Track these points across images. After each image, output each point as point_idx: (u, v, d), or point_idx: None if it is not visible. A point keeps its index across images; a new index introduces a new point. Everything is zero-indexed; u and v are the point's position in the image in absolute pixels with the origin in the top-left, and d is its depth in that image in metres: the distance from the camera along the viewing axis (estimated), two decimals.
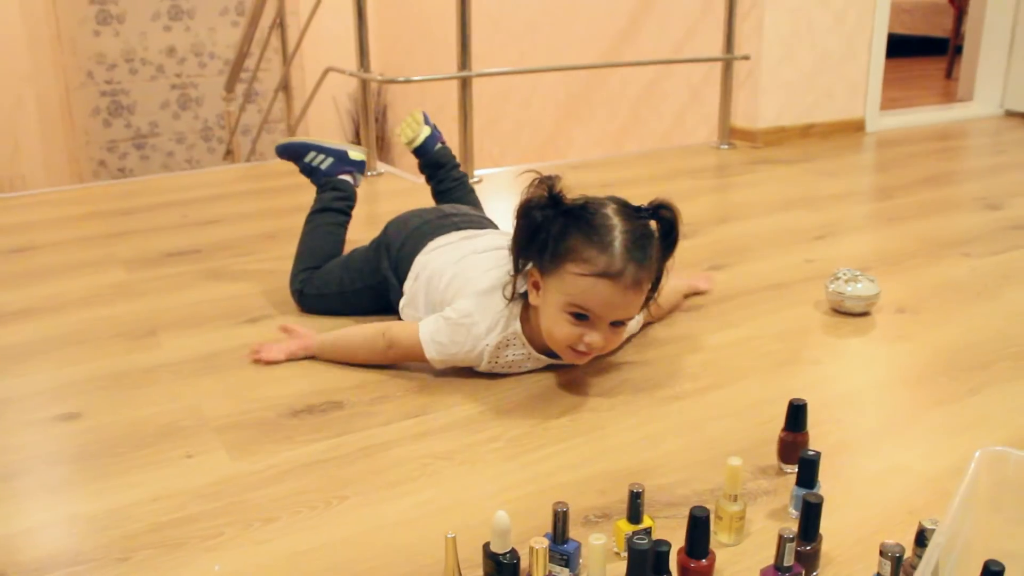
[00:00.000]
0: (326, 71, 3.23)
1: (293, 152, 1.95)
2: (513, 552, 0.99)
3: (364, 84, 3.05)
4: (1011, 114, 4.25)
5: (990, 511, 0.94)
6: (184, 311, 1.86)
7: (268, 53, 5.61)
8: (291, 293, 1.86)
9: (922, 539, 0.94)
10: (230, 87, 4.36)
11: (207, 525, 1.13)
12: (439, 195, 2.08)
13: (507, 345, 1.48)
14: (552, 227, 1.37)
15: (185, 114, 5.93)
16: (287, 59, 3.85)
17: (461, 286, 1.54)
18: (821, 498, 1.00)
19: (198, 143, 5.99)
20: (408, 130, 2.02)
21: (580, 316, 1.37)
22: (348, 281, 1.79)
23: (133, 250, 2.26)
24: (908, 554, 0.96)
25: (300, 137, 1.99)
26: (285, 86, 3.82)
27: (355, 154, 1.93)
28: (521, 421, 1.40)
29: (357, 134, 3.24)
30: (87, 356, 1.65)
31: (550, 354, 1.51)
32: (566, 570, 1.02)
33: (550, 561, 0.99)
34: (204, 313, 1.85)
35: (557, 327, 1.39)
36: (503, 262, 1.51)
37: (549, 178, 1.38)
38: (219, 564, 1.06)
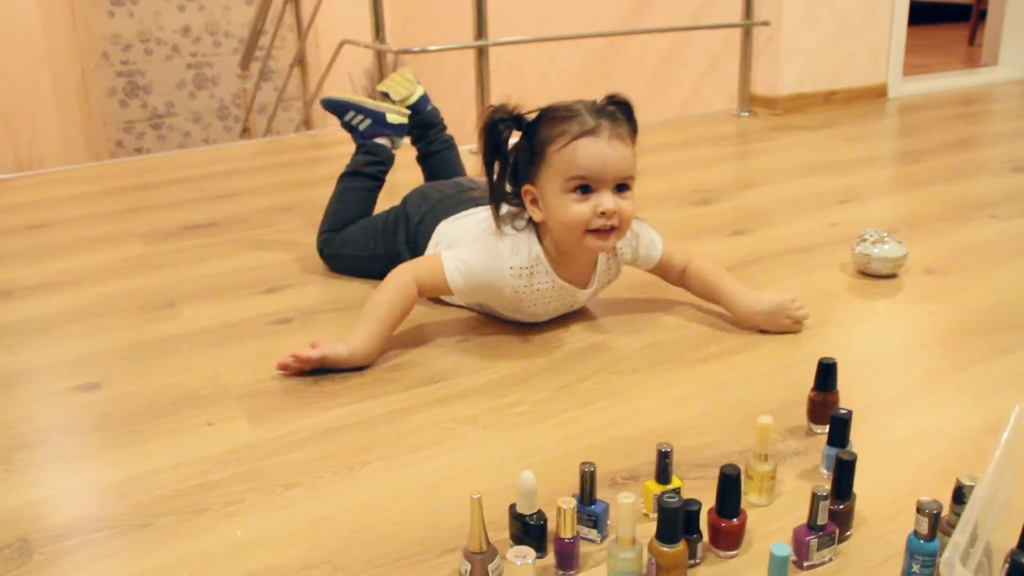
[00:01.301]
0: (341, 44, 3.20)
1: (336, 107, 1.92)
2: (540, 513, 0.97)
3: (380, 56, 3.02)
4: None
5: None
6: (202, 282, 1.85)
7: (283, 31, 5.58)
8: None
9: (960, 496, 0.92)
10: (245, 64, 4.35)
11: (229, 491, 1.12)
12: (427, 158, 2.03)
13: (532, 273, 1.45)
14: (521, 142, 1.42)
15: (201, 93, 5.91)
16: (302, 34, 3.82)
17: (482, 233, 1.52)
18: (855, 455, 0.98)
19: (214, 122, 5.98)
20: (401, 88, 1.96)
21: (583, 189, 1.37)
22: (363, 246, 1.81)
23: (150, 224, 2.25)
24: (945, 512, 0.94)
25: (345, 95, 1.94)
26: (300, 61, 3.80)
27: (393, 117, 1.90)
28: (544, 385, 1.37)
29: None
30: (105, 328, 1.64)
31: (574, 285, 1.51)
32: (594, 531, 1.00)
33: (577, 523, 0.97)
34: (222, 284, 1.83)
35: (568, 211, 1.38)
36: None
37: (501, 104, 1.42)
38: (241, 529, 1.05)
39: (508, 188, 1.47)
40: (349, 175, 1.91)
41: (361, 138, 1.92)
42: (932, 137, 3.10)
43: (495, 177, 1.45)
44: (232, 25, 5.86)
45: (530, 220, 1.46)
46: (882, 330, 1.58)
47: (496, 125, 1.41)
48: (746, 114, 3.50)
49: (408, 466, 1.17)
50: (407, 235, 1.72)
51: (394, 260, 1.73)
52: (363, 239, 1.81)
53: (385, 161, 1.92)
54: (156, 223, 2.26)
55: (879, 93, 3.77)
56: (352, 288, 1.79)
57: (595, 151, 1.36)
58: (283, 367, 1.42)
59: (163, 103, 5.78)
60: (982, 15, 5.48)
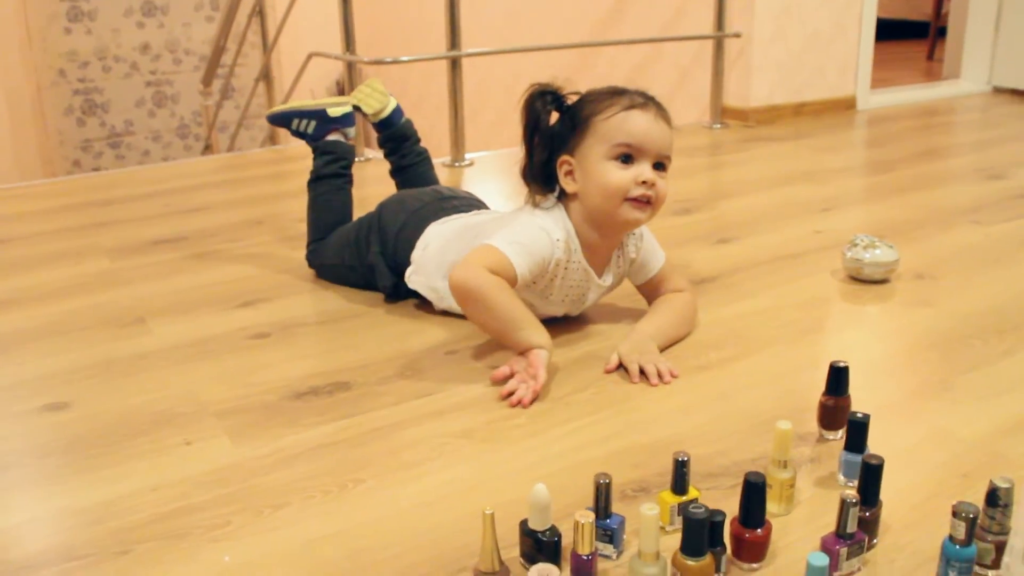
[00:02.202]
0: (309, 56, 3.14)
1: (280, 119, 1.88)
2: (553, 529, 0.92)
3: (350, 67, 2.96)
4: (999, 90, 4.22)
5: None
6: (173, 297, 1.77)
7: (245, 48, 5.50)
8: None
9: (994, 498, 0.87)
10: (207, 81, 4.25)
11: (213, 514, 1.05)
12: (400, 171, 1.97)
13: (569, 248, 1.43)
14: (563, 115, 1.43)
15: (161, 112, 5.80)
16: (267, 47, 3.75)
17: (504, 221, 1.47)
18: (882, 459, 0.93)
19: (175, 141, 5.86)
20: (373, 101, 1.91)
21: (625, 159, 1.38)
22: (339, 256, 1.77)
23: (116, 239, 2.16)
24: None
25: (283, 105, 1.90)
26: (266, 75, 3.72)
27: (335, 110, 1.84)
28: (542, 396, 1.32)
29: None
30: (72, 345, 1.55)
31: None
32: (610, 546, 0.94)
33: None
34: (194, 298, 1.76)
35: (610, 175, 1.38)
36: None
37: (547, 83, 1.43)
38: (228, 554, 0.97)
39: (540, 159, 1.44)
40: (314, 181, 1.86)
41: (313, 141, 1.87)
42: (904, 147, 3.11)
43: (546, 151, 1.43)
44: (193, 43, 5.76)
45: (559, 198, 1.45)
46: (879, 335, 1.55)
47: (537, 100, 1.42)
48: (718, 126, 3.49)
49: (404, 483, 1.10)
50: (382, 245, 1.67)
51: (369, 271, 1.68)
52: (339, 250, 1.77)
53: (345, 155, 1.86)
54: (121, 238, 2.17)
55: (848, 105, 3.78)
56: (326, 301, 1.72)
57: (643, 123, 1.38)
58: (519, 403, 1.29)
59: (122, 121, 5.66)
60: (940, 32, 5.56)
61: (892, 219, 2.20)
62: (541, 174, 1.45)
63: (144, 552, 0.98)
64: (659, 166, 1.41)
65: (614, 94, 1.42)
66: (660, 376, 1.36)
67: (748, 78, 3.50)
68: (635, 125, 1.38)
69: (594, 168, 1.39)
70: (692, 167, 2.88)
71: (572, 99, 1.46)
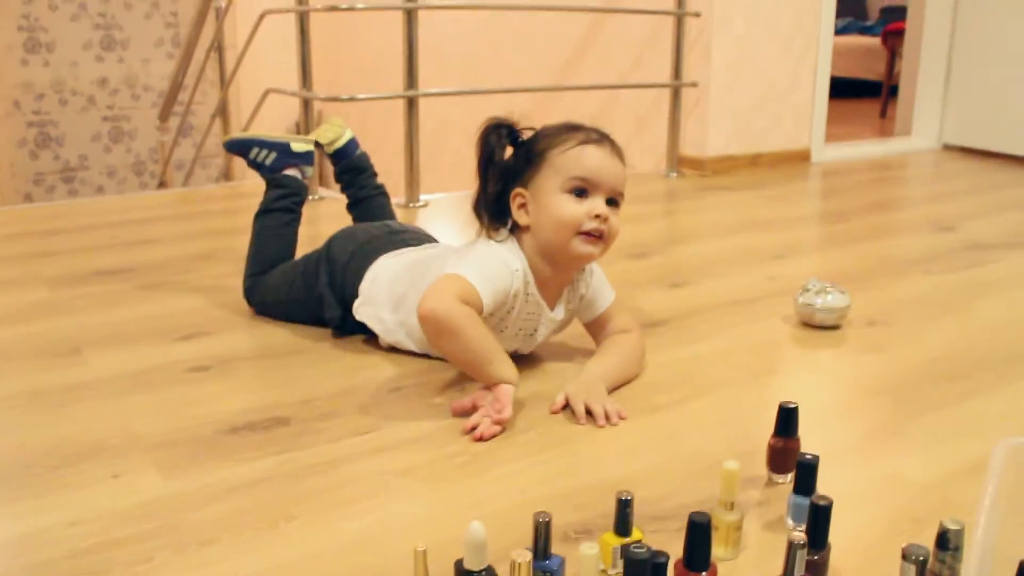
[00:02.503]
0: (266, 92, 3.11)
1: (239, 147, 1.84)
2: (490, 570, 0.88)
3: (306, 104, 2.94)
4: (949, 147, 4.31)
5: (1016, 505, 0.85)
6: (112, 328, 1.71)
7: (204, 86, 5.46)
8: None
9: (944, 542, 0.85)
10: (164, 116, 4.21)
11: (135, 549, 0.99)
12: (357, 204, 1.93)
13: (525, 280, 1.41)
14: (517, 150, 1.43)
15: (117, 147, 5.73)
16: (225, 83, 3.72)
17: (460, 253, 1.45)
18: (831, 500, 0.91)
19: (130, 177, 5.79)
20: (329, 132, 1.89)
21: (579, 192, 1.38)
22: (286, 292, 1.73)
23: (57, 269, 2.10)
24: (929, 561, 0.87)
25: (244, 133, 1.87)
26: (223, 111, 3.68)
27: (298, 146, 1.81)
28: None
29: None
30: (1, 373, 1.49)
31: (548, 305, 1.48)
32: None
33: None
34: (134, 330, 1.70)
35: (564, 208, 1.37)
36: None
37: (504, 116, 1.44)
38: None
39: (494, 192, 1.43)
40: (263, 213, 1.81)
41: (269, 173, 1.83)
42: (857, 198, 3.14)
43: (498, 185, 1.43)
44: (152, 79, 5.72)
45: (511, 232, 1.44)
46: (831, 379, 1.54)
47: (492, 133, 1.42)
48: (674, 175, 3.51)
49: (339, 520, 1.06)
50: (331, 276, 1.63)
51: (316, 304, 1.64)
52: (284, 285, 1.73)
53: (297, 192, 1.83)
54: (63, 268, 2.11)
55: (803, 157, 3.83)
56: (270, 335, 1.68)
57: (598, 158, 1.38)
58: (480, 438, 1.26)
59: (76, 156, 5.58)
60: (892, 91, 5.70)
61: (845, 267, 2.21)
62: (494, 207, 1.44)
63: None
64: (612, 202, 1.40)
65: (570, 129, 1.42)
66: (607, 417, 1.33)
67: (704, 128, 3.53)
68: (590, 160, 1.37)
69: (548, 200, 1.38)
70: (648, 213, 2.89)
71: (527, 134, 1.45)
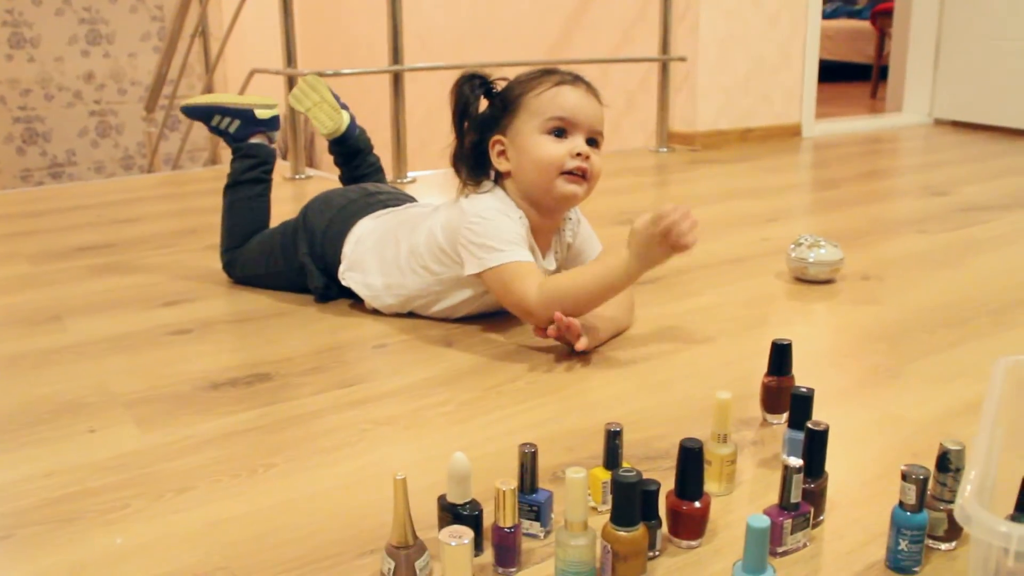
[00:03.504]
0: (251, 72, 3.08)
1: (199, 113, 1.75)
2: (474, 503, 0.85)
3: (291, 82, 2.90)
4: (940, 122, 4.28)
5: (1016, 422, 0.82)
6: (93, 297, 1.68)
7: (191, 79, 5.41)
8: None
9: (945, 463, 0.82)
10: (151, 107, 4.16)
11: (109, 498, 0.96)
12: (351, 182, 1.87)
13: (525, 224, 1.39)
14: (492, 100, 1.41)
15: (104, 142, 5.68)
16: (210, 67, 3.68)
17: (446, 216, 1.42)
18: (826, 425, 0.88)
19: (118, 171, 5.74)
20: (327, 119, 1.80)
21: (558, 133, 1.36)
22: (266, 264, 1.68)
23: (39, 246, 2.06)
24: (929, 484, 0.84)
25: (205, 98, 1.79)
26: (208, 93, 3.64)
27: (263, 112, 1.74)
28: (472, 386, 1.25)
29: (284, 143, 3.08)
30: None
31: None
32: (536, 524, 0.87)
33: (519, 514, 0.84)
34: (116, 299, 1.67)
35: (543, 150, 1.35)
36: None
37: (474, 71, 1.42)
38: (121, 537, 0.89)
39: (471, 143, 1.41)
40: (233, 186, 1.74)
41: (234, 142, 1.75)
42: (849, 168, 3.11)
43: (475, 134, 1.41)
44: (139, 73, 5.66)
45: (495, 182, 1.42)
46: (825, 329, 1.51)
47: (465, 84, 1.40)
48: (664, 150, 3.48)
49: (319, 467, 1.03)
50: (310, 246, 1.59)
51: (298, 274, 1.60)
52: (262, 257, 1.68)
53: (266, 160, 1.76)
54: (46, 245, 2.07)
55: (793, 132, 3.80)
56: (254, 300, 1.64)
57: (576, 96, 1.36)
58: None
59: (64, 151, 5.53)
60: (883, 73, 5.67)
61: (838, 228, 2.18)
62: (472, 158, 1.41)
63: (27, 536, 0.89)
64: (592, 143, 1.38)
65: (544, 73, 1.40)
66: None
67: (694, 103, 3.50)
68: (567, 99, 1.35)
69: (527, 143, 1.36)
70: (637, 184, 2.86)
71: (500, 85, 1.42)
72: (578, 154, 1.34)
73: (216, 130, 1.76)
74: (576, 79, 1.39)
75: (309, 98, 1.81)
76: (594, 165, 1.37)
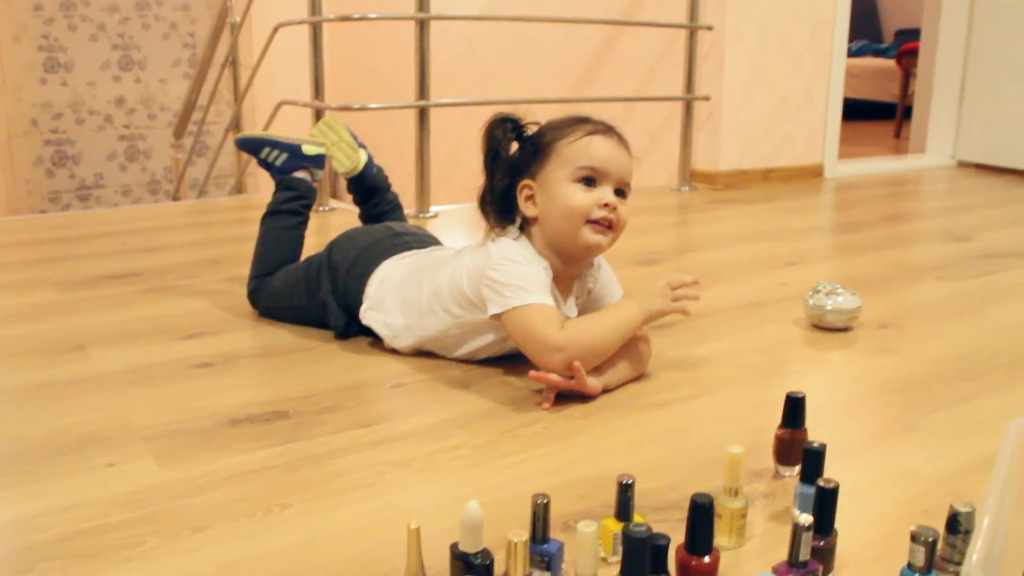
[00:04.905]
0: (279, 104, 3.12)
1: (250, 145, 1.82)
2: (486, 552, 0.85)
3: (319, 115, 2.94)
4: (963, 164, 4.27)
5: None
6: (117, 327, 1.70)
7: (219, 106, 5.50)
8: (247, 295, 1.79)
9: (955, 525, 0.82)
10: (179, 134, 4.24)
11: (127, 534, 0.98)
12: (371, 220, 1.89)
13: (549, 275, 1.41)
14: (523, 144, 1.43)
15: (132, 166, 5.76)
16: (239, 97, 3.74)
17: (472, 259, 1.43)
18: (837, 483, 0.88)
19: (144, 196, 5.82)
20: (345, 158, 1.85)
21: (588, 182, 1.37)
22: (289, 297, 1.71)
23: (65, 273, 2.10)
24: (939, 545, 0.84)
25: (257, 132, 1.86)
26: (236, 125, 3.70)
27: (310, 148, 1.80)
28: (487, 429, 1.26)
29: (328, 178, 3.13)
30: (4, 369, 1.48)
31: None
32: (547, 573, 0.88)
33: (529, 564, 0.85)
34: (139, 329, 1.69)
35: (571, 198, 1.37)
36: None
37: (508, 113, 1.44)
38: (138, 575, 0.90)
39: (500, 187, 1.43)
40: (270, 215, 1.80)
41: (279, 174, 1.81)
42: (870, 211, 3.12)
43: (506, 178, 1.42)
44: (168, 99, 5.76)
45: (520, 229, 1.44)
46: (840, 378, 1.51)
47: (497, 128, 1.41)
48: (686, 188, 3.49)
49: (335, 509, 1.04)
50: (332, 283, 1.61)
51: (320, 309, 1.63)
52: (286, 290, 1.71)
53: (306, 195, 1.81)
54: (71, 272, 2.11)
55: (816, 173, 3.81)
56: (275, 335, 1.66)
57: (606, 149, 1.38)
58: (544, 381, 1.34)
59: (92, 174, 5.61)
60: (907, 112, 5.67)
61: (857, 274, 2.18)
62: (500, 202, 1.42)
63: (46, 571, 0.91)
64: (619, 193, 1.39)
65: (577, 121, 1.41)
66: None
67: (717, 142, 3.52)
68: (598, 149, 1.37)
69: (556, 190, 1.37)
70: (659, 224, 2.87)
71: (532, 129, 1.44)
72: (605, 204, 1.36)
73: (264, 162, 1.82)
74: (608, 129, 1.41)
75: (327, 137, 1.86)
76: (620, 216, 1.38)
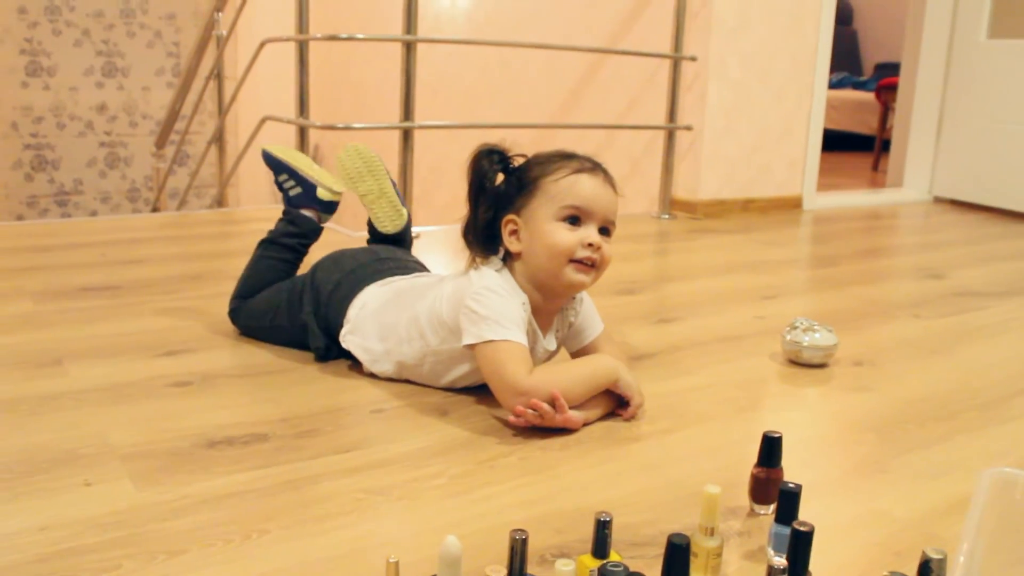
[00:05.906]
0: (263, 120, 3.12)
1: (272, 164, 1.78)
2: None
3: (302, 132, 2.95)
4: (939, 200, 4.34)
5: (998, 536, 0.84)
6: (95, 342, 1.69)
7: (202, 116, 5.49)
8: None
9: (926, 571, 0.84)
10: (161, 143, 4.22)
11: (103, 556, 0.97)
12: (378, 242, 1.86)
13: (527, 310, 1.41)
14: (509, 176, 1.42)
15: (112, 173, 5.73)
16: (223, 110, 3.74)
17: (453, 288, 1.43)
18: (812, 526, 0.89)
19: (123, 203, 5.78)
20: (387, 221, 1.78)
21: (572, 221, 1.37)
22: (270, 318, 1.70)
23: (43, 284, 2.09)
24: None
25: (287, 153, 1.79)
26: (219, 139, 3.70)
27: (324, 194, 1.75)
28: (465, 458, 1.27)
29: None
30: None
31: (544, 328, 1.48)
32: None
33: None
34: (117, 345, 1.68)
35: (555, 237, 1.37)
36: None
37: (495, 143, 1.43)
38: None
39: (484, 219, 1.42)
40: (268, 242, 1.77)
41: (289, 204, 1.79)
42: (848, 244, 3.16)
43: (489, 212, 1.42)
44: (151, 107, 5.74)
45: (503, 261, 1.44)
46: (816, 416, 1.53)
47: (484, 159, 1.41)
48: (666, 216, 3.52)
49: (312, 536, 1.04)
50: (315, 305, 1.61)
51: (300, 331, 1.63)
52: (269, 310, 1.70)
53: (307, 235, 1.78)
54: (50, 283, 2.10)
55: (794, 204, 3.85)
56: (255, 355, 1.66)
57: (591, 187, 1.38)
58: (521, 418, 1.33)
59: (71, 180, 5.58)
60: (885, 145, 5.75)
61: (834, 309, 2.21)
62: (484, 234, 1.43)
63: None
64: (604, 231, 1.40)
65: (563, 157, 1.42)
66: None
67: (698, 171, 3.55)
68: (584, 188, 1.37)
69: (541, 227, 1.37)
70: (638, 252, 2.89)
71: (518, 161, 1.45)
72: (590, 244, 1.36)
73: (279, 185, 1.79)
74: (595, 167, 1.41)
75: (363, 182, 1.77)
76: (605, 254, 1.39)
